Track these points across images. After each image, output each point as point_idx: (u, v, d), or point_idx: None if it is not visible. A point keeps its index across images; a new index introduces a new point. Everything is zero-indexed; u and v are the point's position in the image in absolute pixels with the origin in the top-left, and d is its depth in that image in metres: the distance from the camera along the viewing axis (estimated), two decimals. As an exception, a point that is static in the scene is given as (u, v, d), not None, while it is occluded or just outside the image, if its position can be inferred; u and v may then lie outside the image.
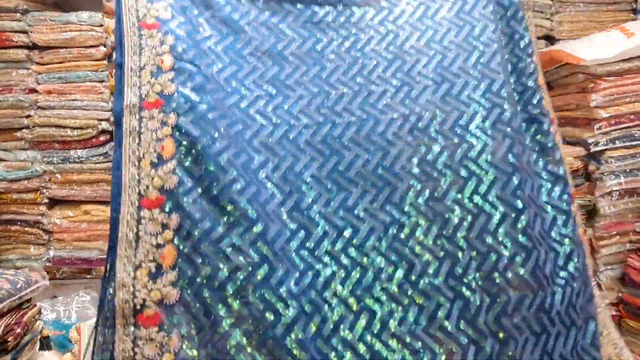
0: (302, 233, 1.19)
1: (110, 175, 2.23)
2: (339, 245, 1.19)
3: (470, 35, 1.49)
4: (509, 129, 1.38)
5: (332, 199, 1.23)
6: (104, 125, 2.22)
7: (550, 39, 2.25)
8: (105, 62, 2.20)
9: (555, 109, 2.14)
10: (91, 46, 2.19)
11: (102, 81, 2.21)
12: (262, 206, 1.16)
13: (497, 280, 1.24)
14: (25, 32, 2.17)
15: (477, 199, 1.30)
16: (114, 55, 1.29)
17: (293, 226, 1.17)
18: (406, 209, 1.26)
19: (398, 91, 1.39)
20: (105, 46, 2.20)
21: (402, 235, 1.23)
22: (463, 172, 1.31)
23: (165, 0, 1.33)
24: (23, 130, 2.23)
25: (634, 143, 1.85)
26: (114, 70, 2.09)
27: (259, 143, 1.23)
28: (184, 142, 1.18)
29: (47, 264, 2.30)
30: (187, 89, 1.22)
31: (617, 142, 1.84)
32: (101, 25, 2.19)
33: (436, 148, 1.33)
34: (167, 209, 1.13)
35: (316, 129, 1.29)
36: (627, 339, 1.85)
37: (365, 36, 1.46)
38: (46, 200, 2.29)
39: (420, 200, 1.27)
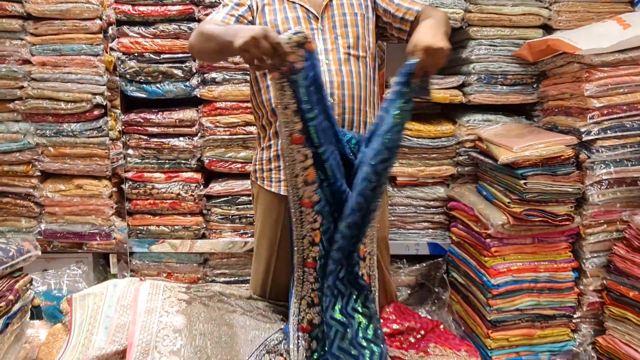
0: None
1: (104, 149, 2.24)
2: None
3: None
4: None
5: None
6: (98, 99, 2.21)
7: (547, 29, 2.26)
8: (100, 35, 2.18)
9: (550, 97, 2.18)
10: (87, 19, 2.17)
11: (97, 55, 2.19)
12: None
13: None
14: (19, 1, 2.14)
15: None
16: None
17: None
18: None
19: None
20: (101, 19, 2.18)
21: None
22: None
23: None
24: (16, 101, 2.21)
25: (625, 133, 1.87)
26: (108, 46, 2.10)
27: None
28: None
29: (38, 237, 2.30)
30: None
31: (608, 131, 1.87)
32: (97, -2, 2.16)
33: None
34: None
35: None
36: (609, 325, 1.90)
37: None
38: (38, 173, 2.28)
39: None
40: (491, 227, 1.91)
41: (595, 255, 1.96)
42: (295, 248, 1.49)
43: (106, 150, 2.26)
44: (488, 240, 1.93)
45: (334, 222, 1.47)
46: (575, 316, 1.97)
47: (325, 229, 1.46)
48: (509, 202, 1.89)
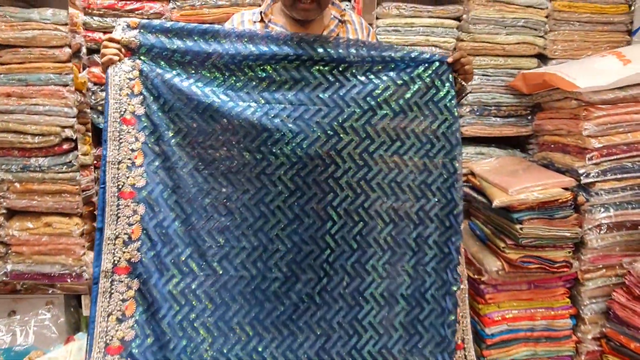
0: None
1: (74, 185, 2.10)
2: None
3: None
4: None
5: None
6: (68, 132, 2.06)
7: (542, 58, 2.16)
8: (69, 64, 2.04)
9: (545, 132, 2.08)
10: (54, 46, 2.03)
11: (66, 85, 2.05)
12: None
13: None
14: (-19, 28, 1.99)
15: None
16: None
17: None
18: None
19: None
20: (70, 47, 2.04)
21: None
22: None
23: (142, 167, 1.49)
24: (-22, 135, 2.06)
25: (625, 175, 1.78)
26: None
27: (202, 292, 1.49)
28: (142, 303, 1.44)
29: (4, 279, 2.15)
30: (148, 259, 1.46)
31: (608, 174, 1.77)
32: (66, 25, 2.02)
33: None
34: (124, 356, 1.41)
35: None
36: (608, 376, 1.81)
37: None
38: (4, 211, 2.14)
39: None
40: (485, 273, 1.81)
41: (594, 301, 1.87)
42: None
43: (77, 186, 2.12)
44: (482, 286, 1.83)
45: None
46: (573, 365, 1.88)
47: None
48: (504, 247, 1.79)
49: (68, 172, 2.11)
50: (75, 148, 2.11)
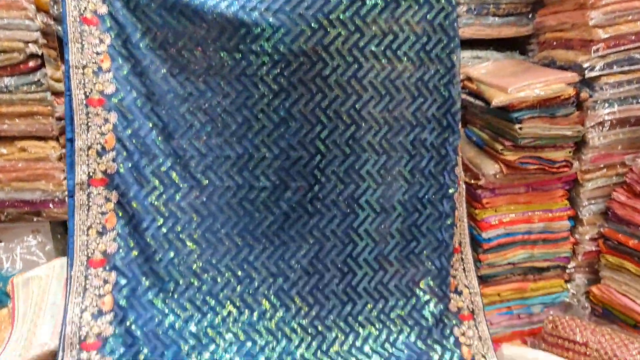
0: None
1: (46, 106, 1.97)
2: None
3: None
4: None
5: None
6: (32, 48, 1.89)
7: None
8: (25, -31, 1.83)
9: (547, 29, 1.95)
10: (6, -51, 1.81)
11: (25, -6, 1.85)
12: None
13: None
14: None
15: None
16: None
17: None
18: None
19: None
20: (24, -51, 1.82)
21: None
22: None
23: (109, 73, 1.39)
24: None
25: (632, 67, 1.67)
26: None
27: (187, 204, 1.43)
28: (123, 216, 1.38)
29: (-16, 208, 2.07)
30: (125, 170, 1.37)
31: (614, 66, 1.66)
32: None
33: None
34: (107, 268, 1.34)
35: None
36: (605, 275, 1.81)
37: None
38: (-26, 137, 2.01)
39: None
40: (482, 177, 1.74)
41: (593, 202, 1.82)
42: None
43: (48, 107, 1.98)
44: (479, 191, 1.77)
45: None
46: (569, 267, 1.87)
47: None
48: (502, 149, 1.71)
49: (37, 92, 1.96)
50: (43, 65, 1.94)
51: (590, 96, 1.69)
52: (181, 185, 1.41)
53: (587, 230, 1.83)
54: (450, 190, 1.57)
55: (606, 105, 1.69)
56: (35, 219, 2.16)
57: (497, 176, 1.71)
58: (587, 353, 1.59)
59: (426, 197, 1.56)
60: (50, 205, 2.10)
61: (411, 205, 1.55)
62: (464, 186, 1.66)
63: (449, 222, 1.57)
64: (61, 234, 2.24)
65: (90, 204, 1.35)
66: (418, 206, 1.56)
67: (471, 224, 1.81)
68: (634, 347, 1.52)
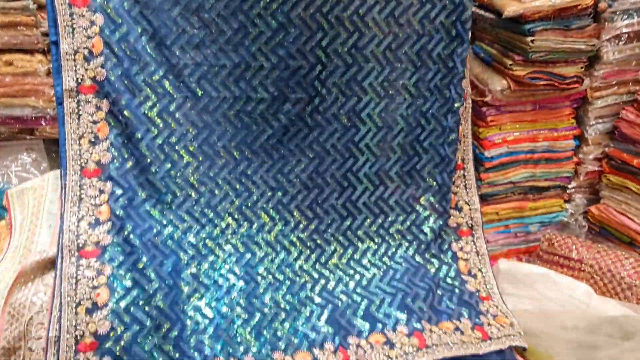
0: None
1: (29, 16, 1.86)
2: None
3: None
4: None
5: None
6: (9, -51, 1.75)
7: None
8: None
9: None
10: None
11: None
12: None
13: None
14: None
15: None
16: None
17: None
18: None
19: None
20: None
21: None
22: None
23: None
24: None
25: (657, -27, 1.56)
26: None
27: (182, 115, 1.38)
28: (116, 125, 1.32)
29: (-26, 124, 2.01)
30: (116, 77, 1.30)
31: (637, -28, 1.55)
32: None
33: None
34: (102, 178, 1.30)
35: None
36: (605, 194, 1.80)
37: None
38: (-45, 49, 1.91)
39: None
40: (489, 93, 1.68)
41: (600, 121, 1.78)
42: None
43: (31, 17, 1.87)
44: (484, 108, 1.72)
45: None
46: (570, 186, 1.86)
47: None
48: (511, 64, 1.63)
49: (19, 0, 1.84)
50: (22, -31, 1.81)
51: (609, 6, 1.59)
52: (175, 96, 1.35)
53: (592, 150, 1.80)
54: (456, 104, 1.51)
55: (625, 16, 1.60)
56: (28, 137, 2.13)
57: (505, 92, 1.65)
58: (582, 269, 1.62)
59: (430, 111, 1.51)
60: (42, 122, 2.05)
61: (414, 119, 1.50)
62: (470, 101, 1.61)
63: (452, 137, 1.53)
64: (55, 152, 2.20)
65: (81, 112, 1.29)
66: (421, 121, 1.51)
67: (474, 143, 1.77)
68: (628, 263, 1.55)
